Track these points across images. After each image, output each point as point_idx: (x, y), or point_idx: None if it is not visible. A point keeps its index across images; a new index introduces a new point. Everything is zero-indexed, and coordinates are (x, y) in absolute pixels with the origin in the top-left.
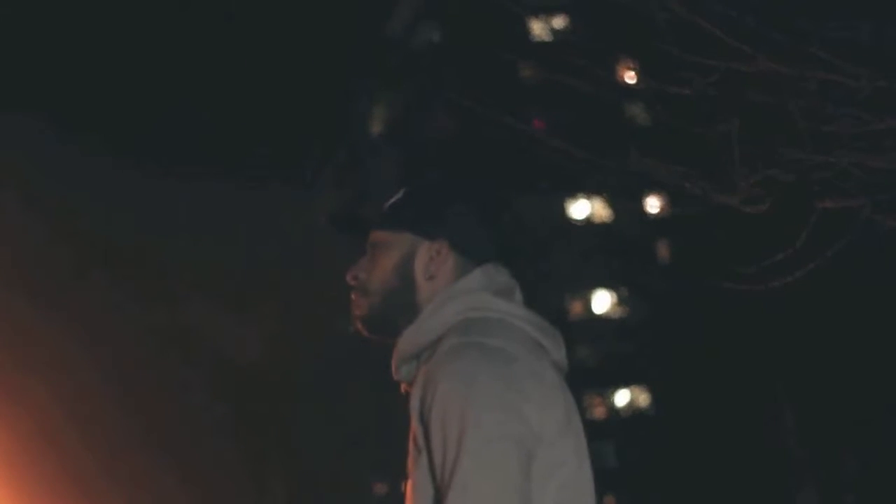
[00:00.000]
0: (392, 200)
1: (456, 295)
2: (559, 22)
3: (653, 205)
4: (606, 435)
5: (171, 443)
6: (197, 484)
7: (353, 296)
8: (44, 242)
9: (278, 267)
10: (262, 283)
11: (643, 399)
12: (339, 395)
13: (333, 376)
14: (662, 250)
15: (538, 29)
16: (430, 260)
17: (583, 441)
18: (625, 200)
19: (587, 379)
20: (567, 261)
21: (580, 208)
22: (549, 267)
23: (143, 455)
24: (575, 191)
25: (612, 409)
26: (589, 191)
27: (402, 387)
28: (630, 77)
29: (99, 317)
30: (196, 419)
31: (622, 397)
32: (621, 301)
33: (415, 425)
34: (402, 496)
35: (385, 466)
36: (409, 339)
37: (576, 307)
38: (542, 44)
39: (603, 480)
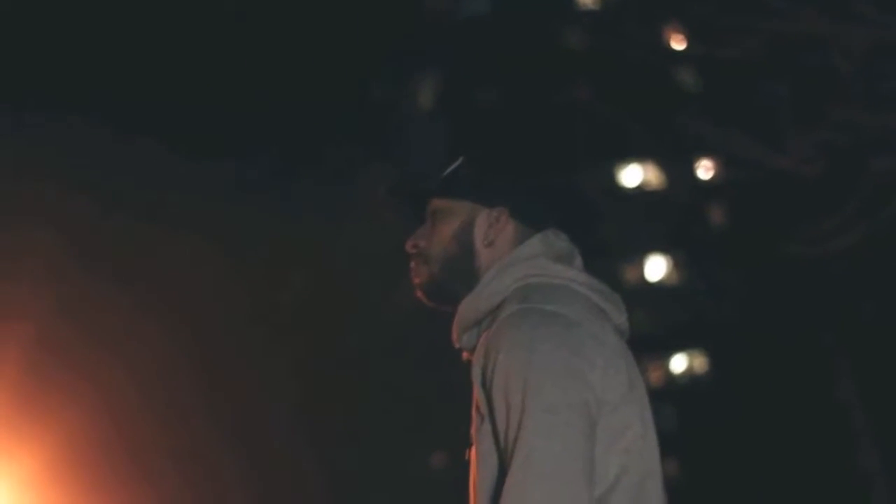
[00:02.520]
0: (451, 169)
1: (516, 261)
2: None
3: (705, 169)
4: (664, 399)
5: (237, 421)
6: (261, 464)
7: (412, 264)
8: (117, 219)
9: (322, 246)
10: (310, 262)
11: (700, 363)
12: (396, 367)
13: (389, 349)
14: (716, 215)
15: None
16: (490, 227)
17: (647, 406)
18: (676, 166)
19: (643, 344)
20: (620, 227)
21: (631, 175)
22: (603, 234)
23: (211, 434)
24: (626, 157)
25: (669, 374)
26: (640, 157)
27: (464, 354)
28: (678, 42)
29: (173, 293)
30: (263, 398)
31: (679, 362)
32: (676, 267)
33: (477, 393)
34: (466, 464)
35: (445, 437)
36: (470, 306)
37: (630, 273)
38: (590, 11)
39: (663, 444)
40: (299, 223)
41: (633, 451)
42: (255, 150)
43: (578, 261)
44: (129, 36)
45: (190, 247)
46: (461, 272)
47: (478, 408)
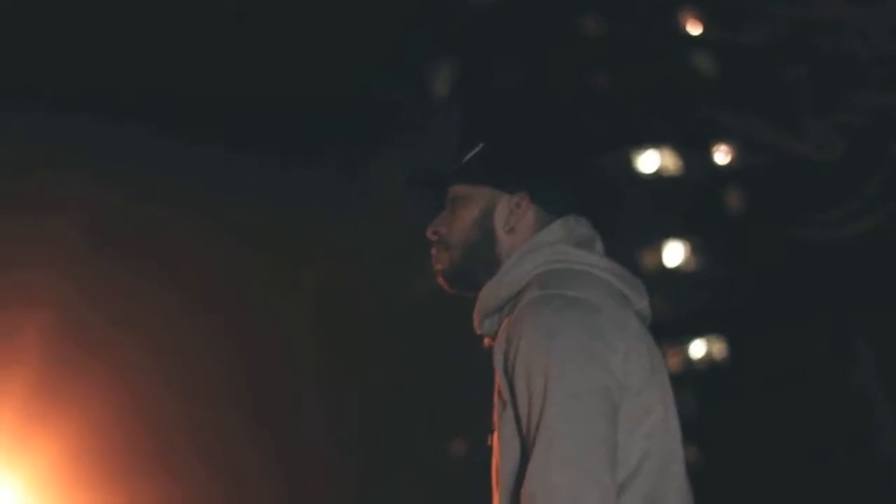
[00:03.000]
0: (470, 154)
1: (537, 247)
2: None
3: (722, 154)
4: (683, 385)
5: (259, 407)
6: (280, 452)
7: (433, 250)
8: (137, 208)
9: (340, 232)
10: (333, 249)
11: (719, 349)
12: (414, 355)
13: (406, 337)
14: (734, 200)
15: None
16: (510, 213)
17: (668, 390)
18: (693, 151)
19: (661, 330)
20: (637, 213)
21: (648, 161)
22: (621, 219)
23: (233, 419)
24: (642, 143)
25: (688, 360)
26: (657, 143)
27: (485, 341)
28: (694, 27)
29: (196, 282)
30: (286, 383)
31: (698, 348)
32: (694, 252)
33: (499, 379)
34: (489, 450)
35: (463, 425)
36: (491, 292)
37: (648, 259)
38: None
39: (682, 430)
40: (318, 209)
41: (655, 435)
42: (268, 141)
43: (599, 246)
44: (143, 36)
45: (212, 236)
46: (482, 258)
47: (500, 394)
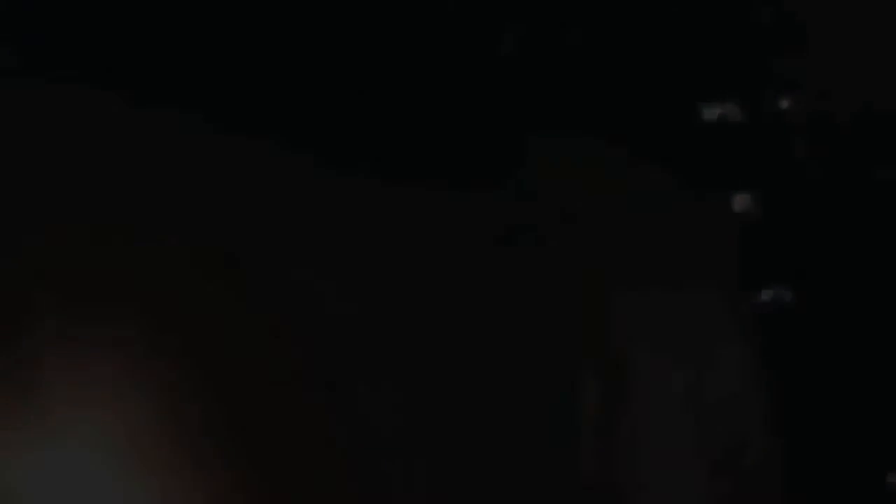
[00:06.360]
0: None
1: None
2: None
3: (790, 101)
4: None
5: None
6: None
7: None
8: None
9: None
10: None
11: (788, 296)
12: None
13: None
14: (802, 147)
15: None
16: None
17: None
18: (760, 99)
19: None
20: (704, 163)
21: (713, 110)
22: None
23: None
24: (707, 93)
25: (758, 307)
26: (723, 92)
27: None
28: None
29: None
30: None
31: (766, 296)
32: (762, 201)
33: None
34: None
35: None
36: None
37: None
38: None
39: None
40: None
41: None
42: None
43: None
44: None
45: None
46: None
47: None
